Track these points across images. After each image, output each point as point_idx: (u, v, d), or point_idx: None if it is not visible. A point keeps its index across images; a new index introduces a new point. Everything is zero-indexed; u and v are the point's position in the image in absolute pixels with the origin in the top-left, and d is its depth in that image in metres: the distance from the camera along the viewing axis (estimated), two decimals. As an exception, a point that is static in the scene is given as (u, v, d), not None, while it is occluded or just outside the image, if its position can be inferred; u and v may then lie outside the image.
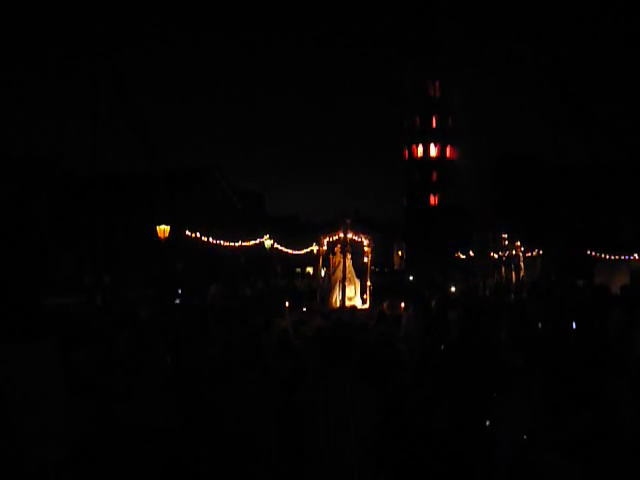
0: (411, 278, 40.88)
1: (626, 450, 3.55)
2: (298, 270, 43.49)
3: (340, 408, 3.32)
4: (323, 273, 17.89)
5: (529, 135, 79.94)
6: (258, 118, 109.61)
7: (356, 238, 16.56)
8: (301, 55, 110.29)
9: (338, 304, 15.28)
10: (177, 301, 16.64)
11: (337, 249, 16.43)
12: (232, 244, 25.56)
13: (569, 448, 3.21)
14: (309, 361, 5.32)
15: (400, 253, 57.97)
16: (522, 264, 26.19)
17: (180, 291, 18.98)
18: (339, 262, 16.21)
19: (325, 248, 16.65)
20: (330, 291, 15.97)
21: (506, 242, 27.83)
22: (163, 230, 19.51)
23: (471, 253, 31.92)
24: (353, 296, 16.12)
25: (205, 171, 31.68)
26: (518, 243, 26.73)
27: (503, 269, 27.79)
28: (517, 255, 26.47)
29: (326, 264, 17.18)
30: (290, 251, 34.06)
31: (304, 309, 13.40)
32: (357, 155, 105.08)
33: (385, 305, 11.63)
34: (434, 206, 61.31)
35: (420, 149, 63.39)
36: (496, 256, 28.49)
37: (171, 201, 24.52)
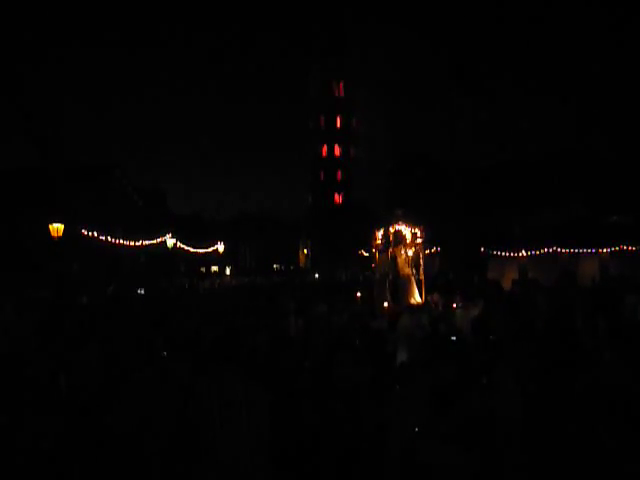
0: (317, 276, 41.43)
1: (508, 436, 3.78)
2: (203, 269, 42.83)
3: (233, 410, 3.33)
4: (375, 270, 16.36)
5: (429, 135, 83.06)
6: (160, 116, 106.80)
7: (409, 230, 15.25)
8: (205, 53, 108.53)
9: (418, 301, 13.94)
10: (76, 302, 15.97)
11: (381, 242, 15.25)
12: (132, 243, 24.72)
13: (455, 436, 3.38)
14: (209, 362, 5.27)
15: (305, 251, 58.48)
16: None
17: (76, 292, 18.23)
18: (398, 256, 14.99)
19: (379, 242, 15.35)
20: (407, 289, 14.43)
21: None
22: (56, 229, 18.63)
23: (373, 250, 32.65)
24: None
25: (104, 168, 30.41)
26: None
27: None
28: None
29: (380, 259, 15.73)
30: (195, 250, 33.46)
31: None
32: (262, 153, 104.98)
33: (435, 298, 11.60)
34: (339, 204, 62.39)
35: (325, 148, 64.27)
36: (397, 253, 29.25)
37: (67, 199, 23.35)
